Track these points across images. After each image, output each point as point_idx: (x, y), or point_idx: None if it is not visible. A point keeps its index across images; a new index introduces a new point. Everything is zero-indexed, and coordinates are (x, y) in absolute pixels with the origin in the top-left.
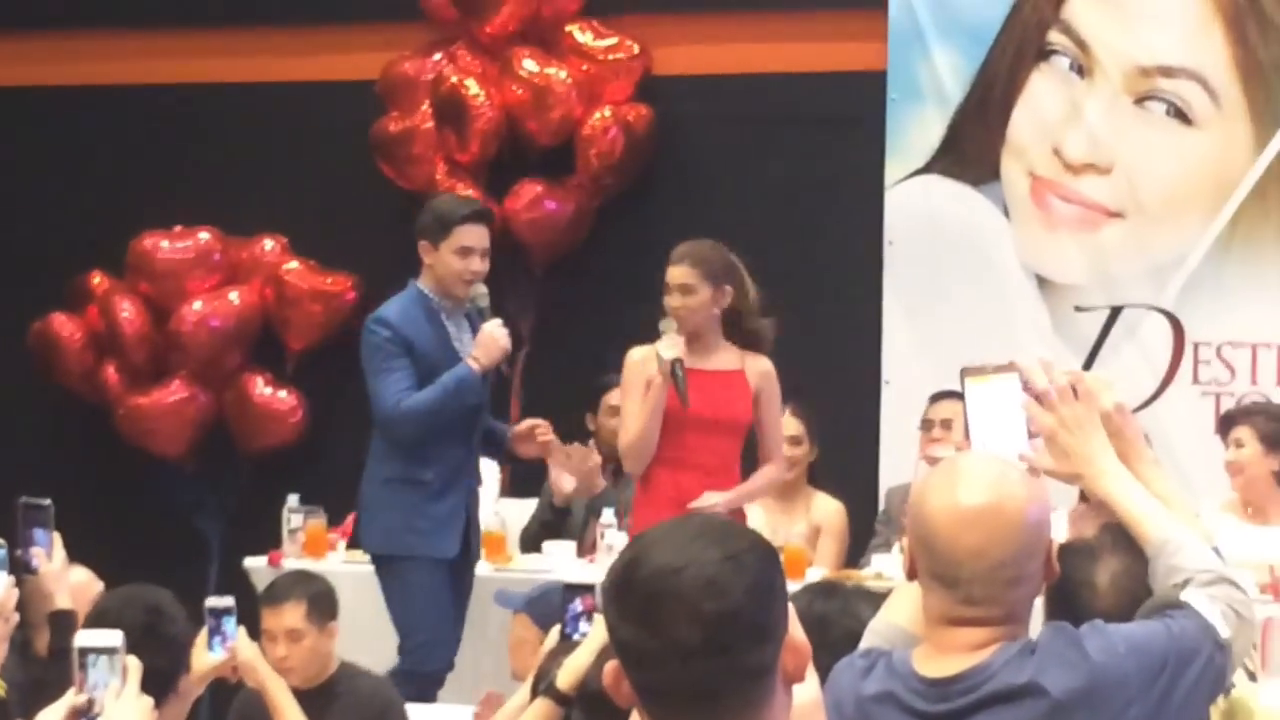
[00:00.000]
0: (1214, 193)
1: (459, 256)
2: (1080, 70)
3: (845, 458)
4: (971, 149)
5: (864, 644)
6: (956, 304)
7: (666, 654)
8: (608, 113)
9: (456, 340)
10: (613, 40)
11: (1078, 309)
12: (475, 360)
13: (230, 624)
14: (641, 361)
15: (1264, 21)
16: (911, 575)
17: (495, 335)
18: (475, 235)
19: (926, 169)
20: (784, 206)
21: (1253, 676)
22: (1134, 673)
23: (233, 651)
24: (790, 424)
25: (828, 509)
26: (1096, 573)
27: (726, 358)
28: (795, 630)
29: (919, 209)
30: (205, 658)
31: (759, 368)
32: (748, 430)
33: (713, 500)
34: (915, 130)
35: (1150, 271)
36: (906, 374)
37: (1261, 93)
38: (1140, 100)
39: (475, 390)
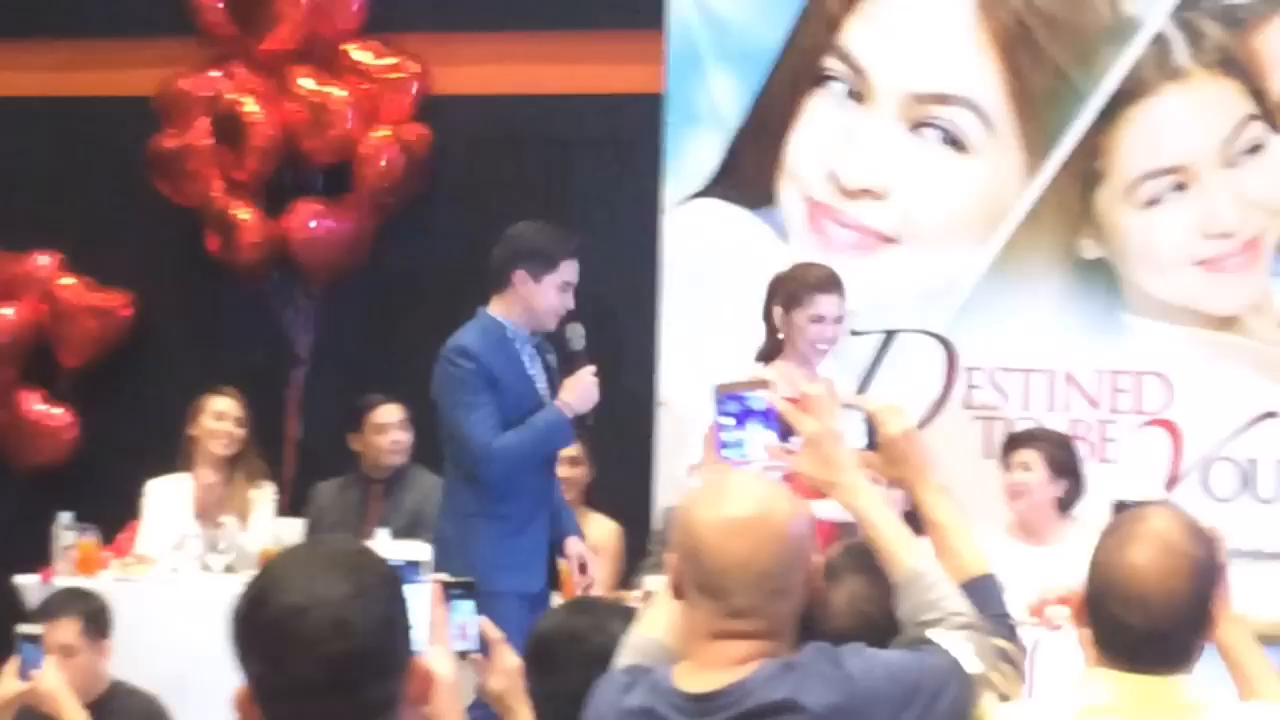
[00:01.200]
0: (987, 219)
1: (560, 291)
2: (856, 96)
3: (621, 479)
4: (749, 173)
5: (621, 659)
6: (733, 327)
7: (293, 691)
8: (387, 132)
9: (530, 369)
10: (392, 60)
11: (853, 333)
12: (566, 405)
13: (36, 651)
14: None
15: (1036, 50)
16: (678, 594)
17: (589, 383)
18: (575, 271)
19: (704, 192)
20: (562, 227)
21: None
22: (888, 696)
23: (35, 679)
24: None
25: (603, 530)
26: (834, 592)
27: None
28: (425, 657)
29: (696, 232)
30: (8, 684)
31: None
32: None
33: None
34: (693, 153)
35: (924, 296)
36: (683, 396)
37: (1034, 121)
38: (915, 127)
39: (566, 435)
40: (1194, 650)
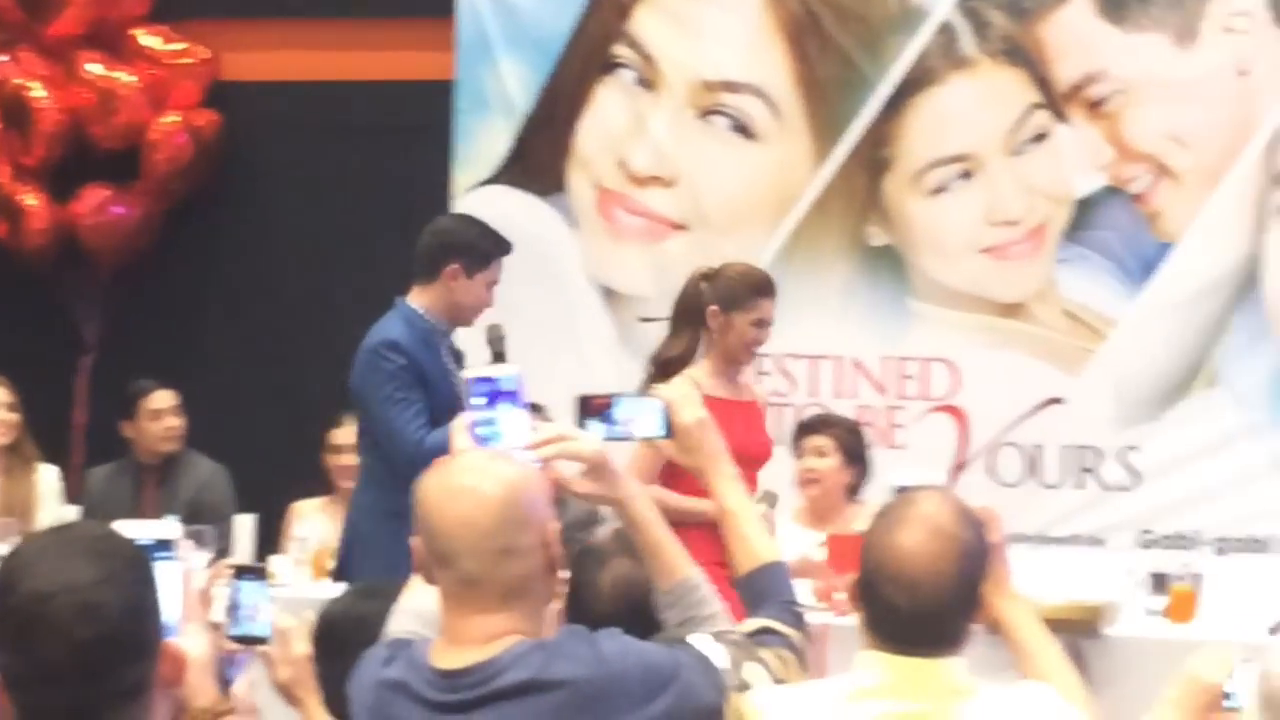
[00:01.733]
0: (776, 206)
1: (488, 289)
2: (646, 84)
3: None
4: (538, 160)
5: (392, 624)
6: (523, 314)
7: (42, 679)
8: (176, 118)
9: (448, 364)
10: (181, 45)
11: (642, 320)
12: None
13: None
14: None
15: (824, 39)
16: (427, 578)
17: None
18: (500, 269)
19: (494, 179)
20: (352, 214)
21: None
22: (638, 683)
23: None
24: (348, 433)
25: None
26: (600, 575)
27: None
28: (179, 639)
29: (486, 219)
30: None
31: (763, 398)
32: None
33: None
34: (483, 140)
35: None
36: None
37: (822, 108)
38: (704, 114)
39: None
40: (962, 633)
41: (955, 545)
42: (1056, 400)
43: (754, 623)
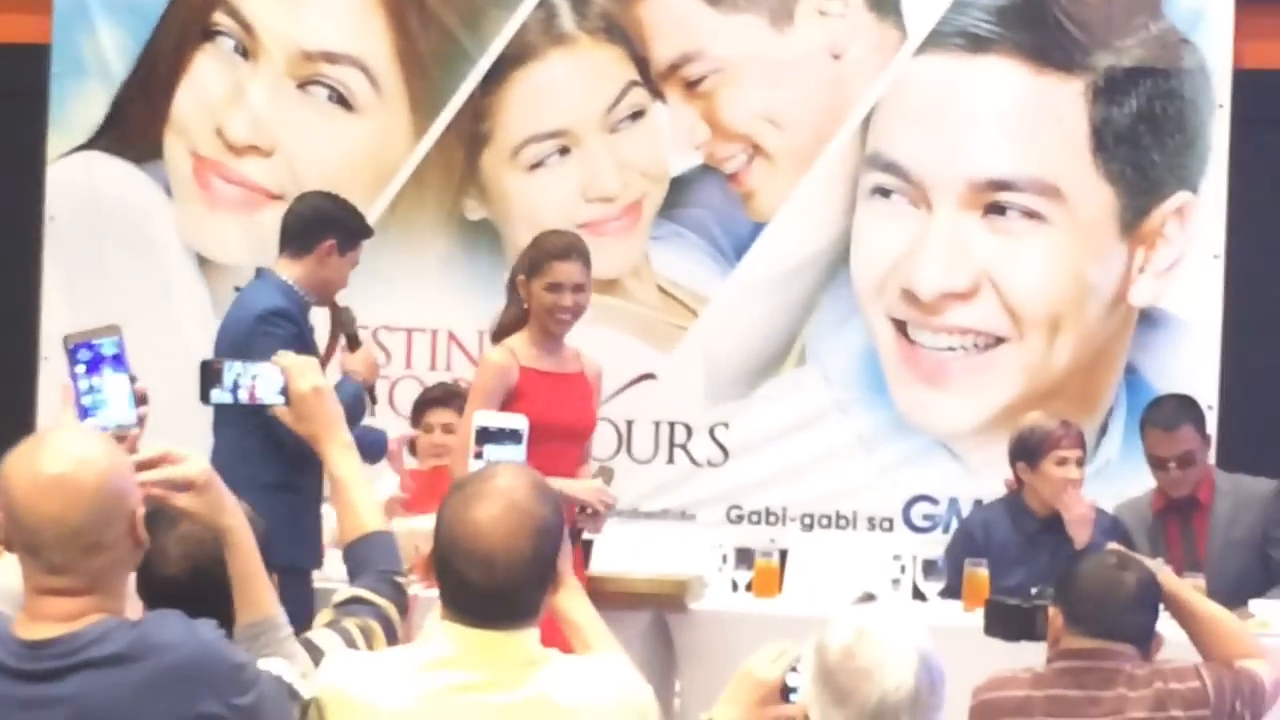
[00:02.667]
0: (374, 178)
1: (350, 269)
2: (245, 52)
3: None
4: (135, 127)
5: None
6: (118, 282)
7: None
8: None
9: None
10: None
11: (238, 289)
12: (356, 374)
13: None
14: (502, 368)
15: (425, 12)
16: (8, 546)
17: (374, 356)
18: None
19: (89, 145)
20: None
21: None
22: (229, 672)
23: None
24: None
25: None
26: (168, 537)
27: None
28: None
29: (81, 185)
30: None
31: (595, 367)
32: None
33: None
34: (79, 106)
35: None
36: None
37: (422, 82)
38: (303, 84)
39: (363, 408)
40: (537, 606)
41: (531, 521)
42: (649, 376)
43: (347, 591)
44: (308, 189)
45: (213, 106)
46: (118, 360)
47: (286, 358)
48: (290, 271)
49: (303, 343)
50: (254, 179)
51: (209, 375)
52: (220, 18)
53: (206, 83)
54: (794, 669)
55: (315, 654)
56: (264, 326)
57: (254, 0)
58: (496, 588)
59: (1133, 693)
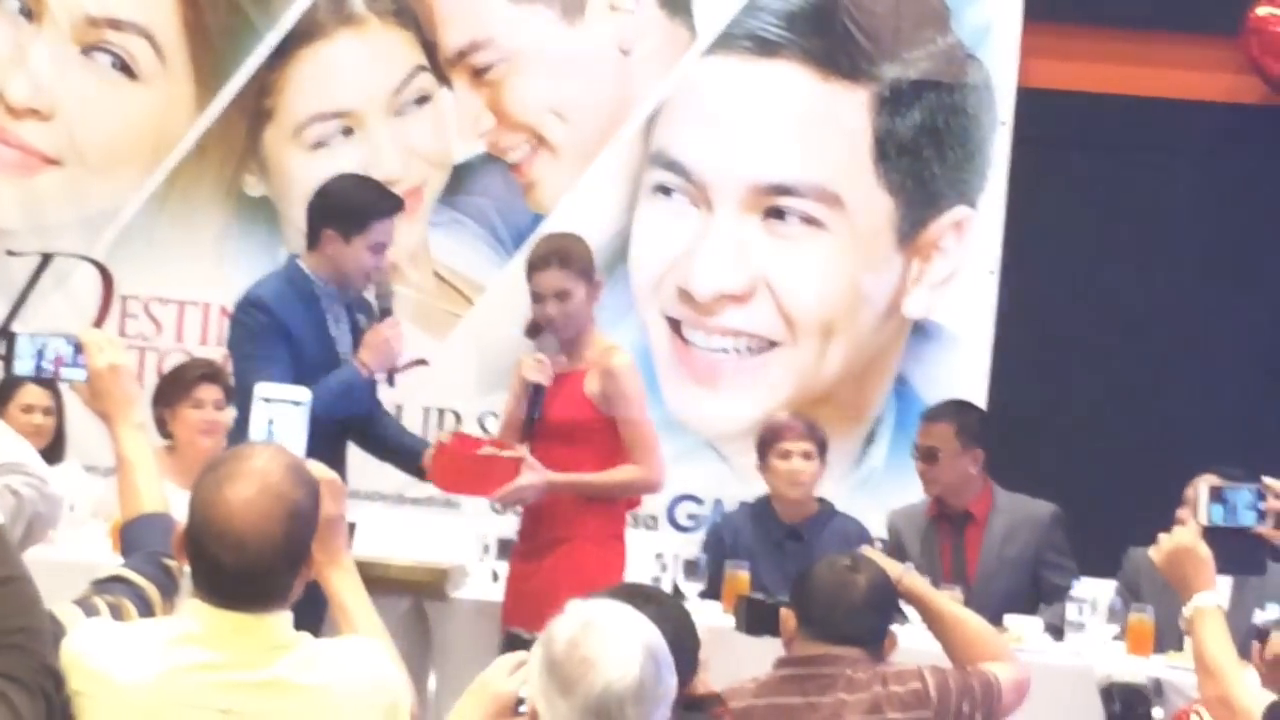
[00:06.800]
0: (154, 149)
1: (372, 253)
2: (29, 14)
3: None
4: None
5: None
6: None
7: None
8: None
9: (333, 329)
10: None
11: (10, 253)
12: (363, 363)
13: None
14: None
15: None
16: None
17: (390, 338)
18: (390, 230)
19: None
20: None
21: None
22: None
23: None
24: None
25: None
26: None
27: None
28: None
29: None
30: None
31: (604, 365)
32: (587, 433)
33: (526, 481)
34: None
35: (84, 221)
36: None
37: (208, 55)
38: (87, 50)
39: (362, 398)
40: (287, 590)
41: (284, 504)
42: (421, 362)
43: (108, 570)
44: (88, 156)
45: None
46: None
47: (89, 333)
48: (309, 261)
49: (280, 332)
50: (32, 143)
51: (10, 344)
52: None
53: None
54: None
55: (56, 628)
56: (238, 314)
57: None
58: (247, 570)
59: (850, 696)
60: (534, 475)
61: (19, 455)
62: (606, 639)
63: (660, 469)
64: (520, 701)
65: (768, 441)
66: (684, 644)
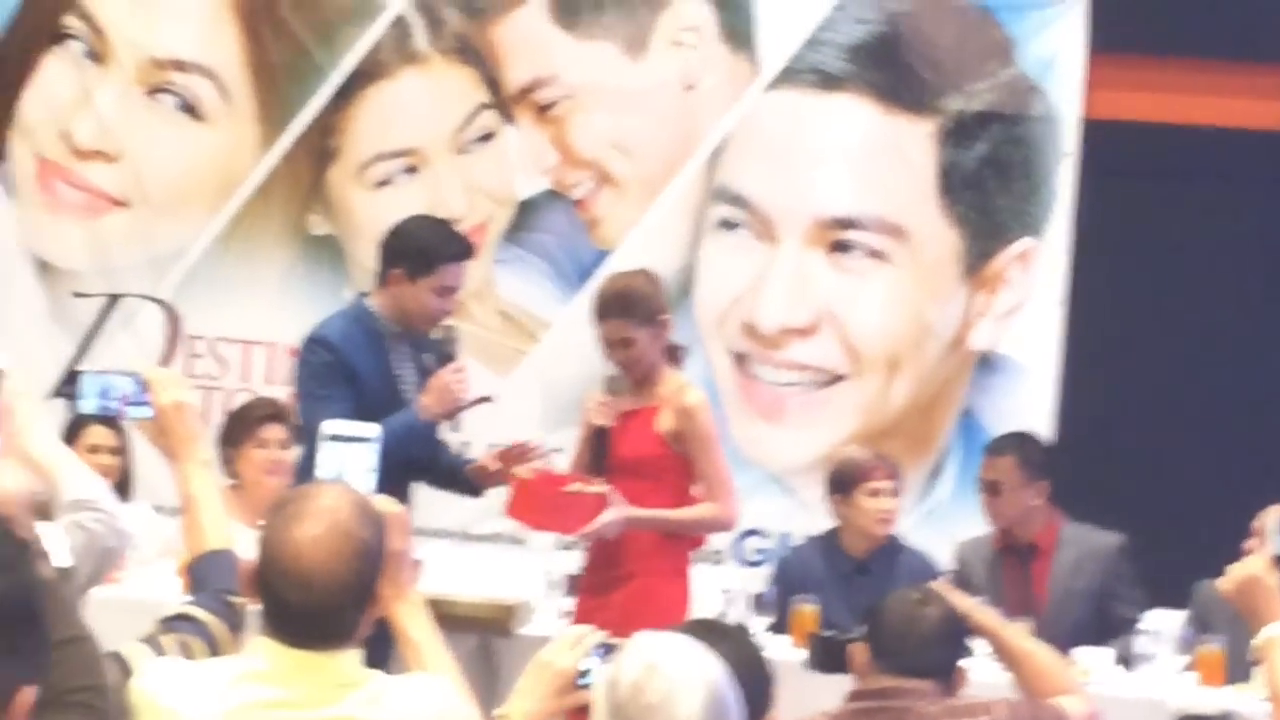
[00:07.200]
0: (219, 189)
1: (438, 295)
2: (94, 56)
3: None
4: None
5: None
6: None
7: None
8: None
9: (399, 369)
10: None
11: (77, 294)
12: (425, 408)
13: None
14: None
15: (278, 24)
16: None
17: (451, 384)
18: (458, 274)
19: None
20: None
21: None
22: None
23: None
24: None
25: None
26: None
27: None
28: None
29: None
30: None
31: (677, 403)
32: (658, 469)
33: (610, 518)
34: None
35: (151, 262)
36: None
37: (272, 94)
38: (152, 92)
39: (422, 442)
40: (355, 627)
41: (352, 543)
42: (486, 399)
43: (175, 608)
44: (153, 197)
45: (60, 110)
46: None
47: (153, 371)
48: (377, 299)
49: (344, 372)
50: (99, 184)
51: (75, 384)
52: (73, 21)
53: (54, 86)
54: (589, 655)
55: (124, 667)
56: (303, 353)
57: (106, 5)
58: (314, 609)
59: None
60: (617, 512)
61: (90, 491)
62: (669, 682)
63: (735, 507)
64: (581, 674)
65: (855, 479)
66: (757, 681)
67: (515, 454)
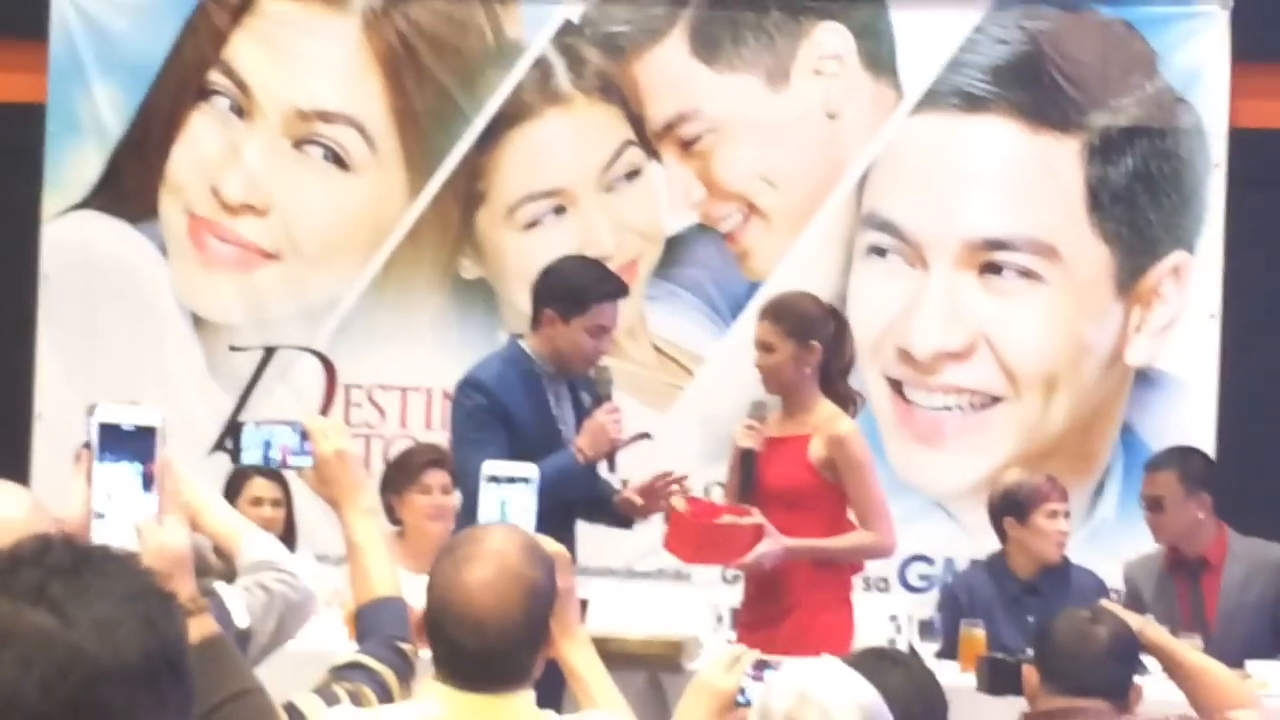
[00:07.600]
0: (369, 238)
1: (592, 335)
2: (240, 111)
3: None
4: (131, 186)
5: None
6: (113, 340)
7: None
8: None
9: (555, 409)
10: None
11: (232, 348)
12: (580, 450)
13: None
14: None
15: (420, 71)
16: None
17: (606, 425)
18: (611, 313)
19: (84, 204)
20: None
21: None
22: None
23: None
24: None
25: None
26: None
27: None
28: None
29: (76, 244)
30: None
31: (830, 432)
32: (811, 498)
33: (766, 548)
34: (74, 165)
35: (304, 313)
36: (61, 408)
37: (418, 140)
38: (299, 144)
39: (578, 484)
40: (529, 669)
41: (522, 584)
42: (645, 435)
43: (346, 656)
44: (304, 249)
45: (208, 166)
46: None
47: (313, 420)
48: (532, 341)
49: (498, 414)
50: (249, 238)
51: (237, 436)
52: (216, 77)
53: (202, 142)
54: (748, 675)
55: (298, 718)
56: (458, 396)
57: (250, 60)
58: (487, 652)
59: None
60: (773, 542)
61: (270, 553)
62: (823, 711)
63: (892, 533)
64: (741, 691)
65: (1033, 502)
66: (932, 707)
67: (659, 487)
